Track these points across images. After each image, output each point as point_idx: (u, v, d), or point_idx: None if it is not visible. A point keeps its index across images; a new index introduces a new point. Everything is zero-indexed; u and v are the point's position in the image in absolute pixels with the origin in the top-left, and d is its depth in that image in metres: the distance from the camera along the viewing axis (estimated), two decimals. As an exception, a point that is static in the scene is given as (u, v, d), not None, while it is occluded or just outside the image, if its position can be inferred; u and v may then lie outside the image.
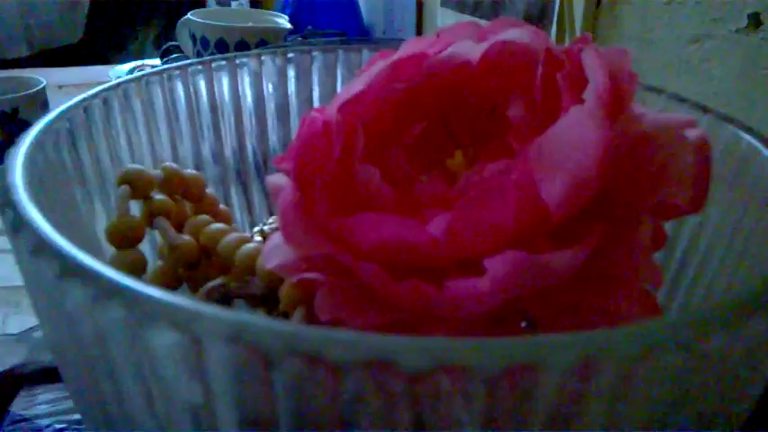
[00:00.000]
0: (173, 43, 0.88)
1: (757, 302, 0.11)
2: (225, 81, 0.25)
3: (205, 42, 0.76)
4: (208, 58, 0.23)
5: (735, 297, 0.11)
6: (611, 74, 0.17)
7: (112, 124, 0.20)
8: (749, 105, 0.46)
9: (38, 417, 0.34)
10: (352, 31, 1.06)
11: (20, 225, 0.12)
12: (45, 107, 0.76)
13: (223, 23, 0.76)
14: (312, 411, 0.10)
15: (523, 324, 0.17)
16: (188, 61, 0.23)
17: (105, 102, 0.20)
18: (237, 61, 0.24)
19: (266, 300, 0.21)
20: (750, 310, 0.10)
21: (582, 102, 0.16)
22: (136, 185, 0.20)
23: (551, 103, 0.17)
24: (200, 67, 0.23)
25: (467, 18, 0.76)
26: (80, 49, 1.59)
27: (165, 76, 0.22)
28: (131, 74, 0.91)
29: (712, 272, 0.19)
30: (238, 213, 0.27)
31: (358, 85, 0.20)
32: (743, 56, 0.45)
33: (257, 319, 0.10)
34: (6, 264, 0.47)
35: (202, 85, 0.24)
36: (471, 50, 0.20)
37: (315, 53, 0.25)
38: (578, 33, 0.56)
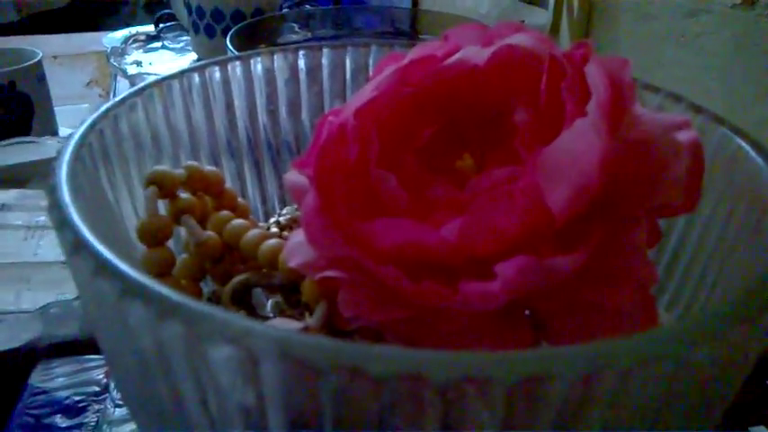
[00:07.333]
0: (167, 11, 0.88)
1: (738, 315, 0.12)
2: (239, 73, 0.26)
3: (201, 12, 0.76)
4: (224, 57, 0.24)
5: (719, 310, 0.12)
6: (612, 83, 0.18)
7: (137, 130, 0.22)
8: (742, 80, 0.47)
9: (56, 389, 0.35)
10: (347, -2, 1.05)
11: (79, 247, 0.13)
12: (42, 80, 0.75)
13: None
14: (353, 415, 0.12)
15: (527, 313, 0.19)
16: (204, 62, 0.24)
17: (132, 108, 0.21)
18: (252, 60, 0.25)
19: (284, 288, 0.23)
20: (733, 323, 0.12)
21: (585, 113, 0.17)
22: (163, 185, 0.21)
23: (555, 110, 0.19)
24: (216, 68, 0.24)
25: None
26: (69, 13, 1.56)
27: (184, 78, 0.23)
28: (125, 42, 0.90)
29: (701, 268, 0.20)
30: (253, 204, 0.28)
31: (370, 89, 0.21)
32: (737, 32, 0.46)
33: (305, 337, 0.12)
34: (15, 239, 0.47)
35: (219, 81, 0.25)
36: (477, 55, 0.21)
37: (325, 49, 0.26)
38: (576, 6, 0.57)
